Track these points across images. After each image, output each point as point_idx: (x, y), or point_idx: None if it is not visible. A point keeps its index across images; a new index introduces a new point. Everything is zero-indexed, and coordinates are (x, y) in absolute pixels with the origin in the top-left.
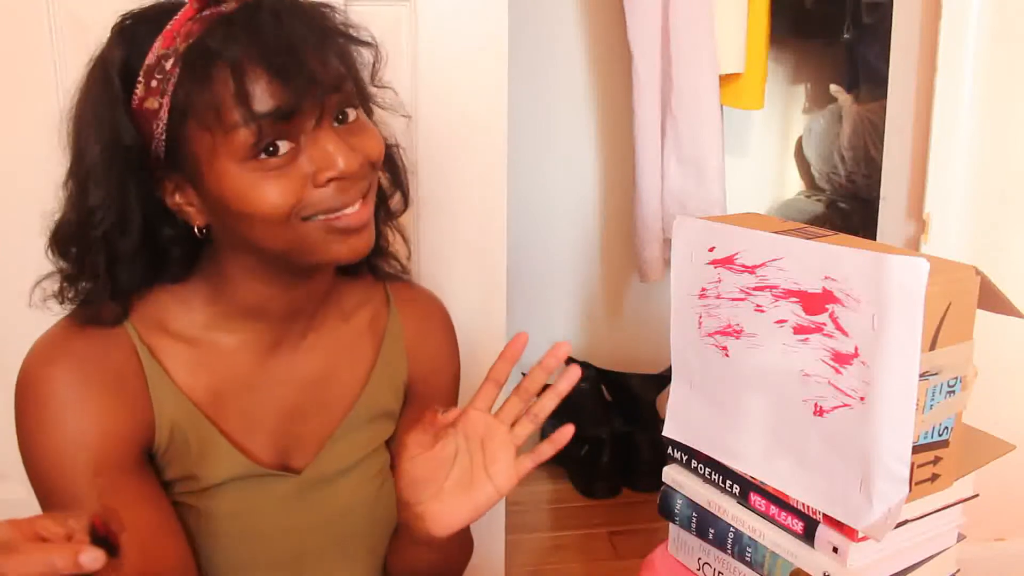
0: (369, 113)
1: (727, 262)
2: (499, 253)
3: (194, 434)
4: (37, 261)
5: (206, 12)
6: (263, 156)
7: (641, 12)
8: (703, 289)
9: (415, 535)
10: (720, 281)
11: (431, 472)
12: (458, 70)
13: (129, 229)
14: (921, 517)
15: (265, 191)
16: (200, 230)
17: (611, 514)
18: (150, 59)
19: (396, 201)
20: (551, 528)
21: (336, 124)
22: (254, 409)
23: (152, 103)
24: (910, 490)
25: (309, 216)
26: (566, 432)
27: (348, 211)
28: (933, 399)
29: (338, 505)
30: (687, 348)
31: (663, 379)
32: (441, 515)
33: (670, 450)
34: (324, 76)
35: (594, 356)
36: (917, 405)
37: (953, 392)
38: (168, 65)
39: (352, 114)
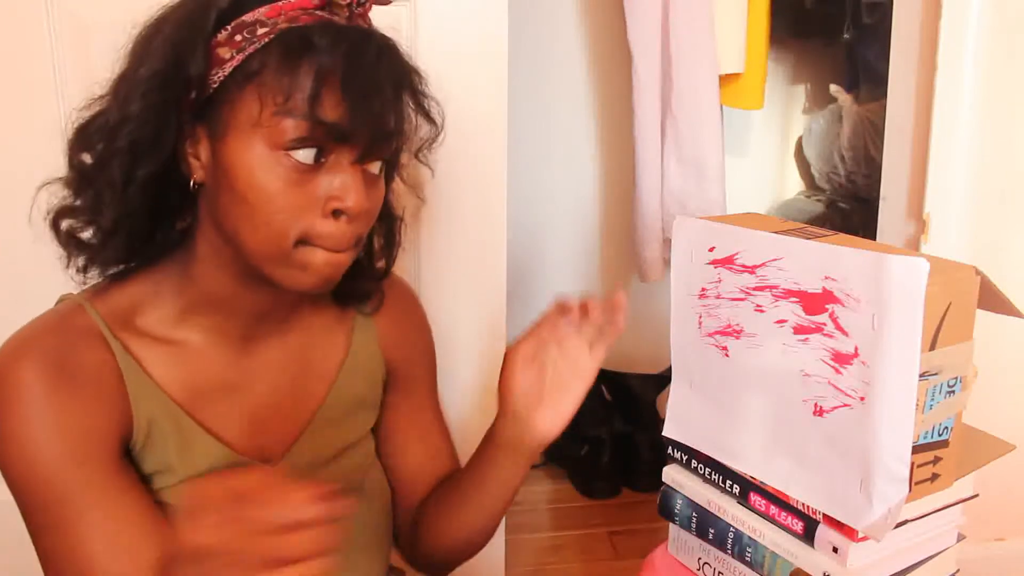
0: (390, 178)
1: (727, 262)
2: (499, 253)
3: (172, 426)
4: (36, 260)
5: (319, 12)
6: (294, 152)
7: (641, 12)
8: (703, 289)
9: (525, 446)
10: (720, 281)
11: (534, 381)
12: (458, 70)
13: (155, 150)
14: (921, 517)
15: (273, 181)
16: (195, 184)
17: (611, 514)
18: (248, 17)
19: (382, 264)
20: (551, 528)
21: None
22: (230, 405)
23: (225, 52)
24: (910, 490)
25: (307, 241)
26: (621, 297)
27: (334, 256)
28: (933, 399)
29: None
30: (687, 348)
31: (663, 379)
32: (548, 417)
33: (670, 450)
34: (386, 128)
35: None
36: (917, 405)
37: (953, 392)
38: (260, 32)
39: (378, 167)
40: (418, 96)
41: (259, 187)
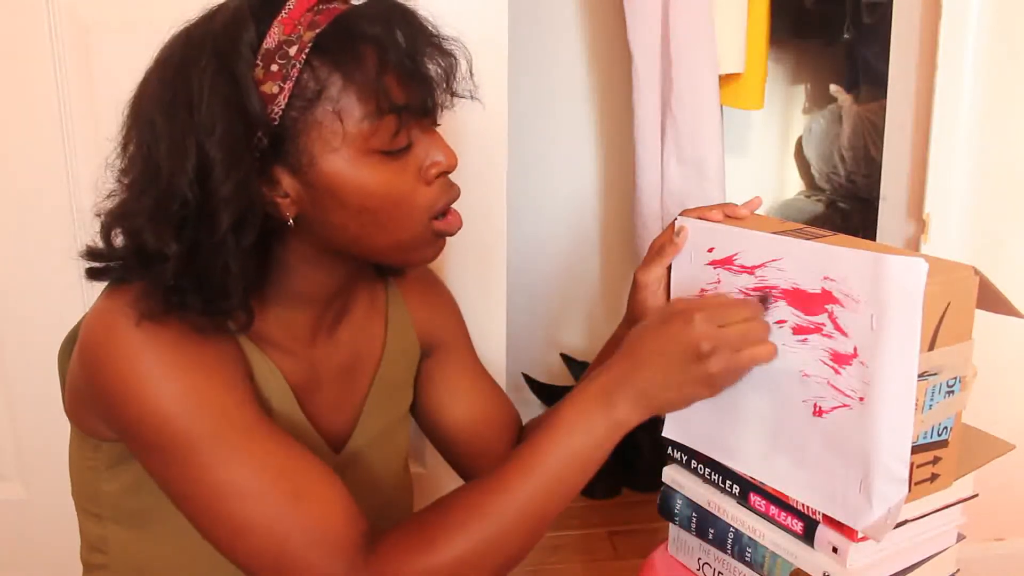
0: None
1: (726, 263)
2: (499, 253)
3: (284, 412)
4: (36, 259)
5: (323, 6)
6: (390, 148)
7: (641, 12)
8: (702, 290)
9: None
10: (719, 282)
11: (664, 301)
12: None
13: (254, 217)
14: (921, 517)
15: (384, 180)
16: (292, 222)
17: (611, 514)
18: (269, 43)
19: None
20: (551, 528)
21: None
22: (309, 395)
23: (271, 87)
24: (909, 490)
25: (437, 212)
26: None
27: (454, 218)
28: (932, 399)
29: (370, 479)
30: None
31: None
32: None
33: (670, 450)
34: (438, 80)
35: (594, 356)
36: (916, 405)
37: (952, 392)
38: (292, 51)
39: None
40: (438, 40)
41: (372, 192)
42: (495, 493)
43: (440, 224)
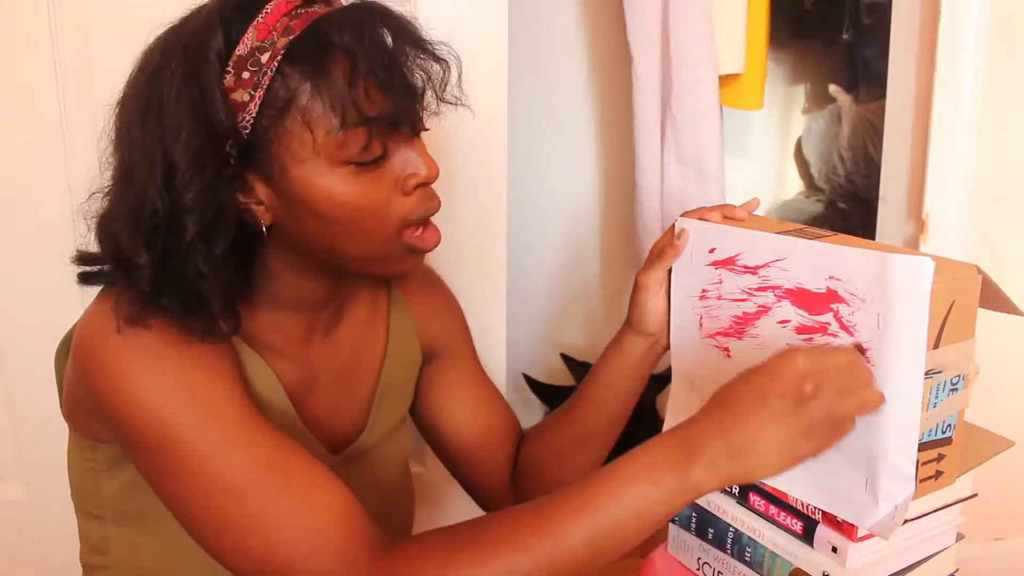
0: None
1: (728, 263)
2: (499, 254)
3: (278, 418)
4: (36, 259)
5: (301, 10)
6: (362, 159)
7: (641, 12)
8: (704, 291)
9: (654, 352)
10: (721, 282)
11: (666, 304)
12: None
13: (224, 223)
14: (920, 516)
15: (354, 192)
16: (268, 229)
17: None
18: (241, 49)
19: None
20: None
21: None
22: (306, 401)
23: (241, 95)
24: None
25: (411, 224)
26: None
27: (431, 234)
28: (937, 397)
29: (372, 482)
30: (687, 349)
31: (663, 379)
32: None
33: None
34: (420, 93)
35: (594, 356)
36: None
37: (956, 390)
38: (264, 58)
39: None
40: (423, 44)
41: (343, 203)
42: (532, 526)
43: (414, 239)
